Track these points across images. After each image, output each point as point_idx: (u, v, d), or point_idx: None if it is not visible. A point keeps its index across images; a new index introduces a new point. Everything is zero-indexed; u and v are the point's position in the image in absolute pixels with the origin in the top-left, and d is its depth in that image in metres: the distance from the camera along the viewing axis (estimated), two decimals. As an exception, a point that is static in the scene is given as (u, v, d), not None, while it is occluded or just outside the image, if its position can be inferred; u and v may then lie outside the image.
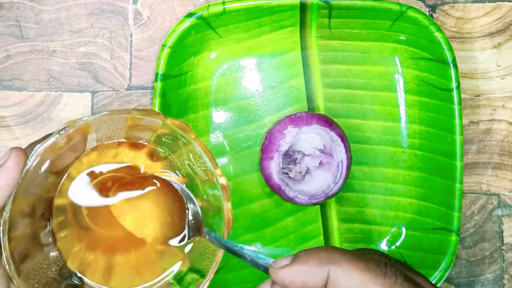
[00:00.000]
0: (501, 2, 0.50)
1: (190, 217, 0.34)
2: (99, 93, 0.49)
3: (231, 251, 0.32)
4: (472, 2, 0.50)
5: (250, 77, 0.49)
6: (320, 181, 0.48)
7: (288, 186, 0.47)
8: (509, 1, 0.49)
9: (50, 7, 0.49)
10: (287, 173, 0.48)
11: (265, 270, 0.31)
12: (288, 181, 0.48)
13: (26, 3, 0.49)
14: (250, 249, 0.33)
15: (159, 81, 0.46)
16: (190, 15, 0.46)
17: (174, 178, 0.35)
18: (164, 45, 0.46)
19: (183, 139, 0.32)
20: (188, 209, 0.34)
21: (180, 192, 0.34)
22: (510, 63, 0.50)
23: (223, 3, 0.46)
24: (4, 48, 0.49)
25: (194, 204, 0.34)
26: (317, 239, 0.49)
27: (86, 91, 0.49)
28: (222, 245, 0.32)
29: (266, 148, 0.47)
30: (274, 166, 0.47)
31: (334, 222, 0.49)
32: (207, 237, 0.33)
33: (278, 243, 0.49)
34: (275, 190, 0.47)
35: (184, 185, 0.34)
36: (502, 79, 0.50)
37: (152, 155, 0.34)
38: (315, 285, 0.30)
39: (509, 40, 0.50)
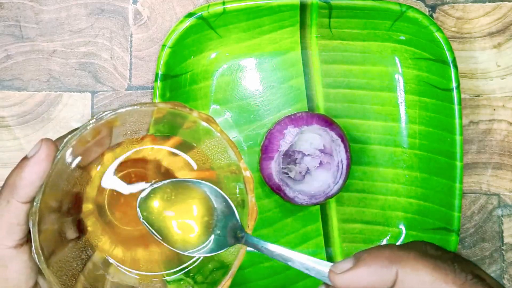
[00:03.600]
0: (501, 2, 0.50)
1: (222, 222, 0.33)
2: (99, 93, 0.49)
3: (276, 257, 0.31)
4: (472, 2, 0.50)
5: (250, 77, 0.49)
6: (320, 181, 0.48)
7: (288, 186, 0.47)
8: (509, 1, 0.50)
9: (50, 7, 0.49)
10: (287, 173, 0.48)
11: (317, 274, 0.30)
12: (288, 181, 0.48)
13: (26, 3, 0.49)
14: (299, 253, 0.31)
15: (159, 81, 0.46)
16: (190, 15, 0.46)
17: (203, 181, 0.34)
18: (164, 45, 0.46)
19: (208, 132, 0.32)
20: (216, 212, 0.33)
21: (207, 193, 0.33)
22: (510, 63, 0.50)
23: (223, 3, 0.46)
24: (4, 48, 0.49)
25: (230, 208, 0.33)
26: (317, 239, 0.49)
27: (86, 91, 0.49)
28: (264, 251, 0.31)
29: (266, 148, 0.47)
30: (274, 166, 0.47)
31: (334, 222, 0.49)
32: (246, 242, 0.32)
33: (278, 243, 0.49)
34: (275, 190, 0.47)
35: (214, 186, 0.33)
36: (502, 79, 0.50)
37: (177, 149, 0.34)
38: (382, 286, 0.28)
39: (509, 40, 0.50)
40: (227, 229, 0.33)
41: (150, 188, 0.32)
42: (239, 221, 0.32)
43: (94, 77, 0.49)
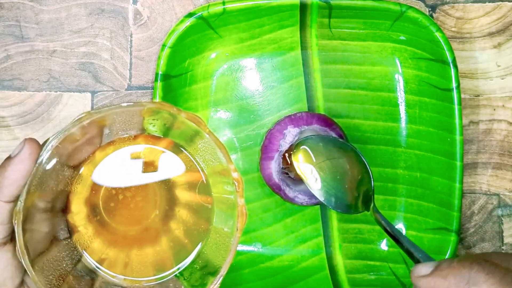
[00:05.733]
0: (501, 2, 0.50)
1: (360, 187, 0.40)
2: (99, 93, 0.49)
3: (390, 234, 0.37)
4: (472, 2, 0.50)
5: (250, 77, 0.49)
6: (320, 181, 0.48)
7: (288, 186, 0.47)
8: (509, 1, 0.49)
9: (50, 7, 0.49)
10: (287, 173, 0.48)
11: (417, 261, 0.34)
12: (288, 181, 0.48)
13: (26, 3, 0.49)
14: (408, 240, 0.37)
15: (159, 81, 0.46)
16: (190, 15, 0.46)
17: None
18: (164, 45, 0.46)
19: (197, 133, 0.32)
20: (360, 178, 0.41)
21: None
22: (510, 63, 0.50)
23: (223, 3, 0.46)
24: (4, 48, 0.49)
25: (369, 177, 0.40)
26: (317, 239, 0.49)
27: (86, 91, 0.49)
28: (384, 226, 0.38)
29: (266, 148, 0.47)
30: (274, 166, 0.47)
31: (334, 222, 0.49)
32: (374, 213, 0.39)
33: (278, 243, 0.49)
34: (275, 190, 0.47)
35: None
36: (502, 79, 0.50)
37: (169, 149, 0.34)
38: None
39: (509, 40, 0.50)
40: (361, 195, 0.40)
41: (303, 138, 0.40)
42: (372, 189, 0.40)
43: (94, 77, 0.49)
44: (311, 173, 0.41)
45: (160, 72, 0.46)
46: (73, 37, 0.49)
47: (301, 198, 0.47)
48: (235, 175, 0.32)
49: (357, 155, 0.42)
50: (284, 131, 0.47)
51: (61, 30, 0.49)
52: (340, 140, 0.43)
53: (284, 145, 0.46)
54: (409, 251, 0.35)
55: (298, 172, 0.42)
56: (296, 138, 0.47)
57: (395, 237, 0.37)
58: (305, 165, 0.41)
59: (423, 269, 0.31)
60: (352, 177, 0.42)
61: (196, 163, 0.34)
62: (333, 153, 0.42)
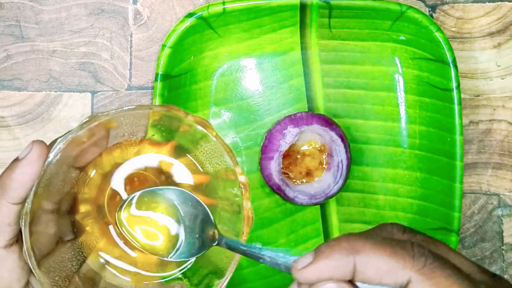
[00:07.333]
0: (501, 2, 0.50)
1: (200, 226, 0.34)
2: (99, 93, 0.49)
3: (248, 255, 0.31)
4: (472, 2, 0.50)
5: (250, 77, 0.49)
6: (320, 181, 0.48)
7: (288, 186, 0.47)
8: (509, 1, 0.50)
9: (50, 7, 0.49)
10: (287, 173, 0.48)
11: (287, 270, 0.29)
12: (288, 181, 0.48)
13: (26, 3, 0.49)
14: (269, 250, 0.31)
15: (159, 81, 0.46)
16: (190, 15, 0.46)
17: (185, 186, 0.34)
18: (164, 45, 0.46)
19: (203, 136, 0.32)
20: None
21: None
22: (510, 63, 0.50)
23: (223, 3, 0.46)
24: (4, 48, 0.49)
25: (206, 212, 0.34)
26: (317, 239, 0.49)
27: (86, 91, 0.49)
28: (238, 250, 0.31)
29: (266, 148, 0.47)
30: (274, 166, 0.47)
31: (334, 222, 0.49)
32: (222, 244, 0.32)
33: (278, 243, 0.49)
34: (275, 190, 0.47)
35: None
36: (502, 79, 0.50)
37: (174, 152, 0.34)
38: (342, 278, 0.27)
39: (509, 40, 0.50)
40: (206, 232, 0.33)
41: (126, 200, 0.33)
42: (213, 223, 0.33)
43: (94, 77, 0.49)
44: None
45: (160, 72, 0.46)
46: (73, 37, 0.49)
47: (301, 198, 0.47)
48: (242, 178, 0.32)
49: (181, 192, 0.34)
50: (284, 131, 0.47)
51: (61, 30, 0.49)
52: (160, 188, 0.34)
53: (284, 145, 0.46)
54: (275, 263, 0.30)
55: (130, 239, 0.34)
56: (296, 138, 0.47)
57: (254, 256, 0.31)
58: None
59: (304, 259, 0.28)
60: (187, 217, 0.34)
61: (201, 166, 0.34)
62: (157, 204, 0.34)
